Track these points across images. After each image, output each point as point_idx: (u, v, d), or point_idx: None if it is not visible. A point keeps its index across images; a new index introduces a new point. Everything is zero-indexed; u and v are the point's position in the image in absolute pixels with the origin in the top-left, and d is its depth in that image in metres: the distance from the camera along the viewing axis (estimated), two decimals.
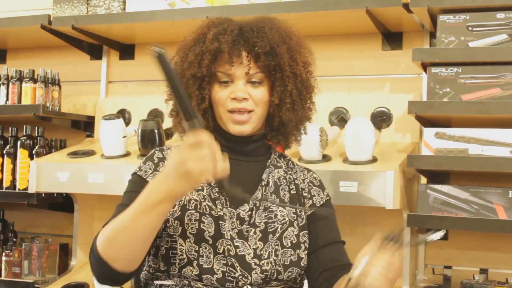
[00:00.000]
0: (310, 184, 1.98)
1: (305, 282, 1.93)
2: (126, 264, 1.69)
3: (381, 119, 2.91)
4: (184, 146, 1.54)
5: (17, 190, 3.24)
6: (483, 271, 2.70)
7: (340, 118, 2.96)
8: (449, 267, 2.77)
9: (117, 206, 1.85)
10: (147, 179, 1.85)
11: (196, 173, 1.53)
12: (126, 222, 1.64)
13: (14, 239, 3.43)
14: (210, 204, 1.82)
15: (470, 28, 2.56)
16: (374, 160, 2.64)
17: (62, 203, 3.34)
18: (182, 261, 1.78)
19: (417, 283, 2.77)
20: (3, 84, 3.34)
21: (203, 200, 1.83)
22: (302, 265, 1.86)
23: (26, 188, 3.17)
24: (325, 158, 2.72)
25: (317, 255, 1.91)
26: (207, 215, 1.81)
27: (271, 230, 1.83)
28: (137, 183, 1.86)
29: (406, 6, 2.66)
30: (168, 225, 1.81)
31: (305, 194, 1.96)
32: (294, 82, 1.89)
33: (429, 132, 2.58)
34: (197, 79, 1.87)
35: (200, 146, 1.53)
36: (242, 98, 1.84)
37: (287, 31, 1.92)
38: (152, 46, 1.52)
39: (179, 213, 1.81)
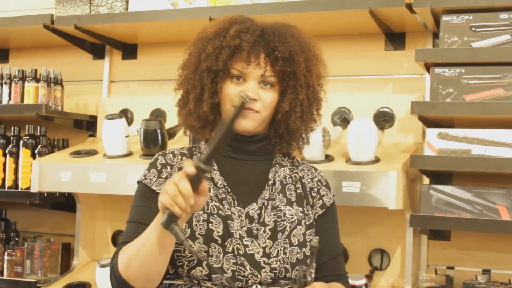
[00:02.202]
0: (318, 183, 1.99)
1: None
2: (145, 283, 1.74)
3: (383, 119, 2.90)
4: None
5: (19, 190, 3.24)
6: (486, 271, 2.70)
7: (342, 118, 2.96)
8: (452, 268, 2.77)
9: (128, 222, 1.87)
10: (152, 187, 1.86)
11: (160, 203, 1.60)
12: (142, 241, 1.70)
13: (16, 239, 3.43)
14: (217, 204, 1.83)
15: (473, 29, 2.56)
16: (376, 160, 2.64)
17: (64, 203, 3.34)
18: (192, 262, 1.79)
19: (420, 283, 2.77)
20: (5, 83, 3.34)
21: (210, 200, 1.83)
22: (309, 263, 1.87)
23: (28, 188, 3.17)
24: (328, 158, 2.71)
25: (323, 268, 1.95)
26: (215, 215, 1.81)
27: (280, 228, 1.84)
28: (143, 194, 1.87)
29: (409, 7, 2.65)
30: None
31: (314, 194, 1.96)
32: (306, 92, 1.90)
33: (432, 132, 2.57)
34: (211, 72, 1.87)
35: (174, 184, 1.57)
36: (252, 98, 1.84)
37: (306, 41, 1.94)
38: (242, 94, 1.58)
39: None
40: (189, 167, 1.57)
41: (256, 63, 1.85)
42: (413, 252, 2.75)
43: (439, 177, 2.74)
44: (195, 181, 1.59)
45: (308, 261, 1.80)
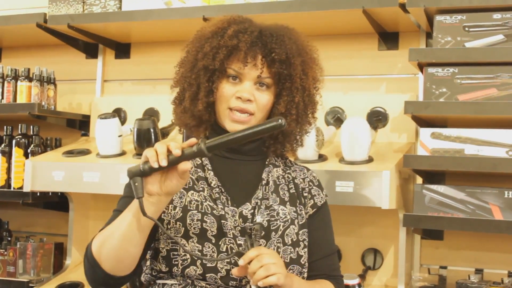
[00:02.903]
0: (310, 183, 1.99)
1: None
2: (115, 265, 1.73)
3: (377, 119, 2.91)
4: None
5: (12, 189, 3.23)
6: (479, 271, 2.70)
7: (336, 118, 2.96)
8: (445, 267, 2.78)
9: (113, 210, 1.88)
10: None
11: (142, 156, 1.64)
12: (116, 222, 1.72)
13: (9, 238, 3.42)
14: (211, 204, 1.83)
15: (466, 29, 2.56)
16: (370, 160, 2.64)
17: (57, 202, 3.33)
18: (186, 261, 1.79)
19: (413, 283, 2.77)
20: None
21: (204, 200, 1.83)
22: (303, 262, 1.87)
23: (21, 187, 3.16)
24: (321, 158, 2.71)
25: (313, 267, 1.94)
26: (209, 215, 1.81)
27: (273, 228, 1.84)
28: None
29: (402, 6, 2.66)
30: (169, 227, 1.81)
31: (305, 194, 1.96)
32: (302, 95, 1.90)
33: (425, 132, 2.58)
34: (208, 71, 1.87)
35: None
36: (247, 99, 1.85)
37: (303, 44, 1.94)
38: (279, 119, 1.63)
39: (181, 214, 1.82)
40: (191, 139, 1.62)
41: (252, 64, 1.85)
42: (406, 252, 2.75)
43: (432, 176, 2.74)
44: (185, 155, 1.60)
45: (249, 241, 1.79)
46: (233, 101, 1.86)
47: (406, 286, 2.74)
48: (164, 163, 1.59)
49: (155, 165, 1.59)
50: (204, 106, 1.88)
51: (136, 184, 1.61)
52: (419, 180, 2.78)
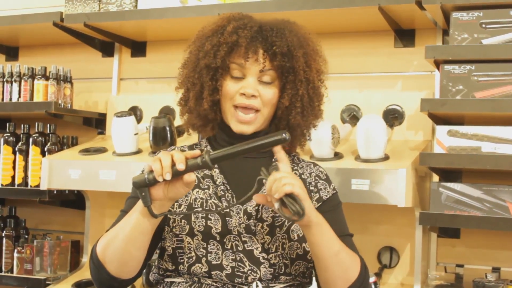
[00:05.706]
0: (316, 178, 1.97)
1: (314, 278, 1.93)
2: (119, 268, 1.75)
3: (393, 117, 2.90)
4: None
5: (29, 187, 3.25)
6: (496, 269, 2.69)
7: (352, 116, 2.95)
8: (461, 266, 2.76)
9: (120, 210, 1.90)
10: None
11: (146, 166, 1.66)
12: (121, 225, 1.73)
13: (26, 236, 3.44)
14: (216, 201, 1.84)
15: (483, 25, 2.54)
16: (386, 158, 2.63)
17: (74, 200, 3.35)
18: (191, 259, 1.79)
19: (429, 281, 2.76)
20: (15, 81, 3.35)
21: (209, 198, 1.84)
22: (309, 258, 1.86)
23: (38, 185, 3.18)
24: (337, 155, 2.71)
25: None
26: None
27: (278, 224, 1.84)
28: None
29: (419, 3, 2.64)
30: (174, 225, 1.82)
31: (311, 188, 1.95)
32: (306, 87, 1.89)
33: (442, 130, 2.56)
34: (210, 70, 1.87)
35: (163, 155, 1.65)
36: (251, 94, 1.84)
37: (305, 36, 1.93)
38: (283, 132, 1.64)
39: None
40: (195, 151, 1.64)
41: (254, 59, 1.84)
42: (423, 250, 2.74)
43: (449, 174, 2.73)
44: (189, 166, 1.63)
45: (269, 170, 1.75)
46: (238, 97, 1.85)
47: (422, 284, 2.73)
48: (168, 177, 1.62)
49: (160, 179, 1.62)
50: (209, 105, 1.88)
51: (143, 194, 1.65)
52: (436, 178, 2.77)
